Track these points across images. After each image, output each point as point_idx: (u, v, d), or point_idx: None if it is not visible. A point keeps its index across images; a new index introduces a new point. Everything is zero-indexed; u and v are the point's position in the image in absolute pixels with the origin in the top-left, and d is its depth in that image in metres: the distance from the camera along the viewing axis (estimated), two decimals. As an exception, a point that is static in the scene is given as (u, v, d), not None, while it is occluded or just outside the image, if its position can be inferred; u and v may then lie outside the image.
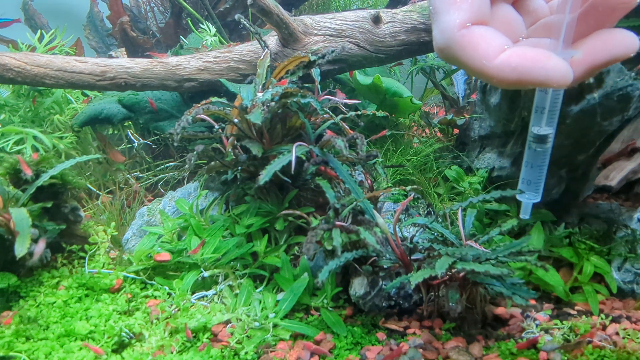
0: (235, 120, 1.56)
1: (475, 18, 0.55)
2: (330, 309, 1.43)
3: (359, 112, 1.75)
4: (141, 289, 1.54)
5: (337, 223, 1.32)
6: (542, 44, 0.58)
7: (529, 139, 0.74)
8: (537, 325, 1.38)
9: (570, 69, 0.53)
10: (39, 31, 2.42)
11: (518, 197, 0.77)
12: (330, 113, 1.62)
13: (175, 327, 1.34)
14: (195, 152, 1.51)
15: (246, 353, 1.26)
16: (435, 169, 1.98)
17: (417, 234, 1.52)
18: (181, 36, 2.82)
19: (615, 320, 1.40)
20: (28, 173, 1.46)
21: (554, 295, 1.53)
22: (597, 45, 0.55)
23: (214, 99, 1.57)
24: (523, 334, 1.35)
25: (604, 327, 1.35)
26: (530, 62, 0.52)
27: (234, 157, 1.63)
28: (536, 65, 0.52)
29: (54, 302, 1.44)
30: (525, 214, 0.81)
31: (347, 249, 1.35)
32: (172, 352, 1.28)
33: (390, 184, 1.81)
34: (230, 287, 1.52)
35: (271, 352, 1.27)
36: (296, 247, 1.62)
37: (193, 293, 1.52)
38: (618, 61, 0.56)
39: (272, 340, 1.31)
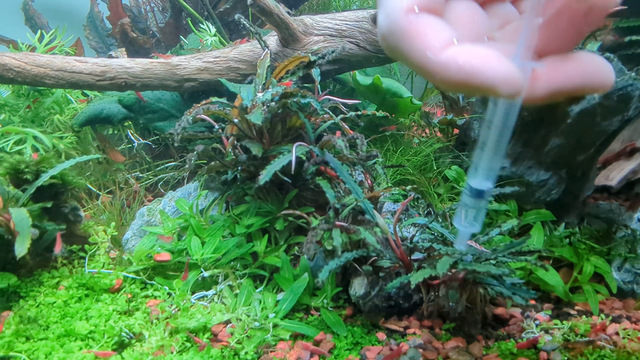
0: (236, 120, 1.56)
1: (425, 4, 0.48)
2: (330, 309, 1.43)
3: (359, 112, 1.75)
4: (141, 289, 1.54)
5: (337, 223, 1.32)
6: (504, 49, 0.51)
7: (464, 191, 0.65)
8: (537, 325, 1.38)
9: (522, 79, 0.47)
10: (39, 31, 2.42)
11: (455, 224, 0.69)
12: (330, 113, 1.62)
13: (176, 327, 1.34)
14: (195, 152, 1.51)
15: (246, 353, 1.26)
16: (435, 169, 1.98)
17: (417, 234, 1.51)
18: (181, 36, 2.82)
19: (615, 320, 1.40)
20: (57, 250, 1.47)
21: (554, 295, 1.53)
22: (571, 67, 0.49)
23: (214, 99, 1.57)
24: (523, 334, 1.35)
25: (604, 327, 1.35)
26: (480, 61, 0.46)
27: (234, 157, 1.63)
28: (485, 66, 0.45)
29: (54, 302, 1.44)
30: (461, 244, 0.71)
31: (347, 249, 1.35)
32: (172, 352, 1.28)
33: (390, 184, 1.81)
34: (230, 287, 1.52)
35: (271, 352, 1.27)
36: (296, 247, 1.62)
37: (193, 293, 1.52)
38: (585, 93, 0.50)
39: (272, 340, 1.31)
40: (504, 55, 0.47)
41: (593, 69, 0.49)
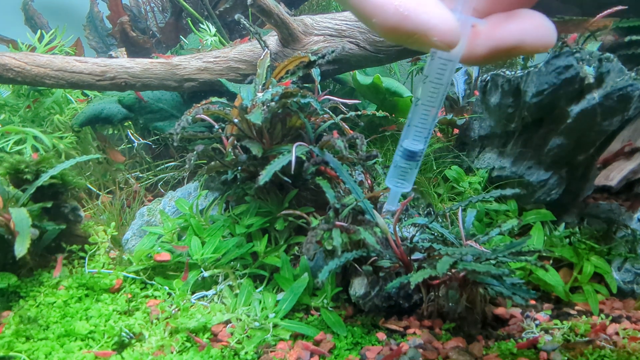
0: (235, 120, 1.56)
1: None
2: (330, 309, 1.43)
3: (359, 112, 1.75)
4: (141, 289, 1.54)
5: (337, 223, 1.32)
6: (451, 5, 0.51)
7: (397, 152, 0.64)
8: (537, 325, 1.38)
9: (457, 30, 0.46)
10: (39, 31, 2.42)
11: (387, 183, 0.66)
12: (330, 113, 1.62)
13: (175, 327, 1.34)
14: (195, 152, 1.51)
15: (246, 353, 1.26)
16: (435, 169, 1.98)
17: (417, 234, 1.51)
18: (181, 36, 2.83)
19: (615, 320, 1.40)
20: (56, 274, 1.47)
21: (554, 295, 1.53)
22: (511, 24, 0.48)
23: (214, 98, 1.57)
24: (523, 334, 1.35)
25: (604, 327, 1.35)
26: (416, 5, 0.46)
27: (234, 157, 1.63)
28: (421, 10, 0.45)
29: (54, 302, 1.44)
30: (391, 204, 0.70)
31: (347, 249, 1.35)
32: (172, 352, 1.28)
33: (390, 184, 1.81)
34: (230, 287, 1.52)
35: (271, 352, 1.27)
36: (296, 247, 1.62)
37: (193, 293, 1.52)
38: (526, 52, 0.49)
39: (272, 340, 1.31)
40: (445, 7, 0.47)
41: (533, 27, 0.48)
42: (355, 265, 1.40)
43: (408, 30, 0.46)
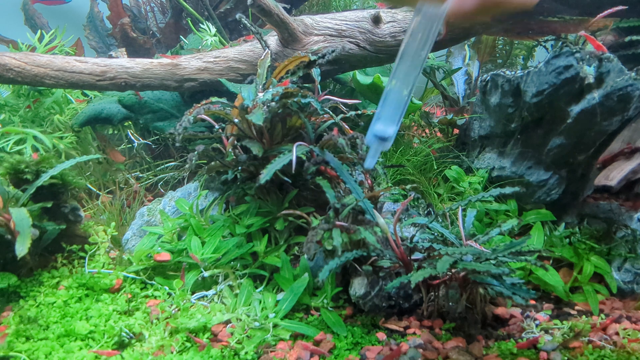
0: (236, 120, 1.56)
1: None
2: (330, 309, 1.43)
3: (359, 112, 1.75)
4: (141, 289, 1.54)
5: (337, 223, 1.32)
6: None
7: (369, 133, 0.66)
8: (537, 325, 1.38)
9: None
10: (39, 31, 2.42)
11: (367, 142, 0.68)
12: (331, 113, 1.62)
13: (176, 327, 1.34)
14: (195, 152, 1.51)
15: (246, 353, 1.26)
16: (435, 169, 1.98)
17: (417, 234, 1.51)
18: (181, 36, 2.82)
19: (615, 320, 1.40)
20: None
21: (554, 295, 1.53)
22: None
23: (215, 98, 1.57)
24: (523, 334, 1.35)
25: (604, 327, 1.35)
26: None
27: (234, 157, 1.63)
28: None
29: (54, 302, 1.44)
30: (373, 159, 0.72)
31: (347, 248, 1.35)
32: (172, 352, 1.28)
33: (390, 184, 1.81)
34: (230, 287, 1.52)
35: (271, 352, 1.27)
36: (296, 247, 1.62)
37: (193, 293, 1.52)
38: (512, 6, 0.51)
39: (272, 340, 1.31)
40: None
41: None
42: (355, 265, 1.40)
43: None
